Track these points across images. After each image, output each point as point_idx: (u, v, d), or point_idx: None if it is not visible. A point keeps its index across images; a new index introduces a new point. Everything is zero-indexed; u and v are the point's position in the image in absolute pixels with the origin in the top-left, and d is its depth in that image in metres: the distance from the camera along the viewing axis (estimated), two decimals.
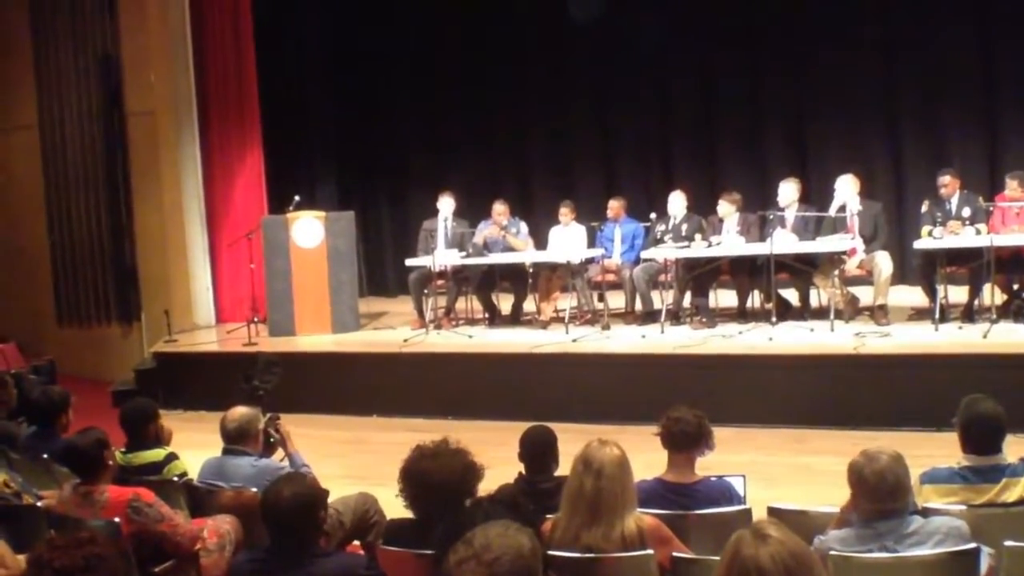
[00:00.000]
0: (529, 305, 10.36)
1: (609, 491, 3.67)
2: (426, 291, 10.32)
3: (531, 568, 2.50)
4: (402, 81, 12.83)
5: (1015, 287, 8.70)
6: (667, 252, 9.39)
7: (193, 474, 5.27)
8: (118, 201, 11.80)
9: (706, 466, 4.50)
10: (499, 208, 10.27)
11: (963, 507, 3.98)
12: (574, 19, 11.50)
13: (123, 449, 5.35)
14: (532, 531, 2.66)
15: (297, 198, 10.51)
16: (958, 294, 8.88)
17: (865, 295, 9.15)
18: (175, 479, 5.18)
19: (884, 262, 8.78)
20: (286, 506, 3.47)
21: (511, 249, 10.14)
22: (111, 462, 4.69)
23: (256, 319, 10.31)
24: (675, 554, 3.70)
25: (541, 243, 10.53)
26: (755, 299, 9.66)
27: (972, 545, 3.52)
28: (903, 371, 7.80)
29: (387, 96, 13.02)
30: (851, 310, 9.02)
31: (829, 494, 3.94)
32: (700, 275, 9.34)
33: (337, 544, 4.62)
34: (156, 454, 5.38)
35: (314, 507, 3.55)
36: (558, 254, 9.98)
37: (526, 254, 10.14)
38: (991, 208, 8.58)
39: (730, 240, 9.30)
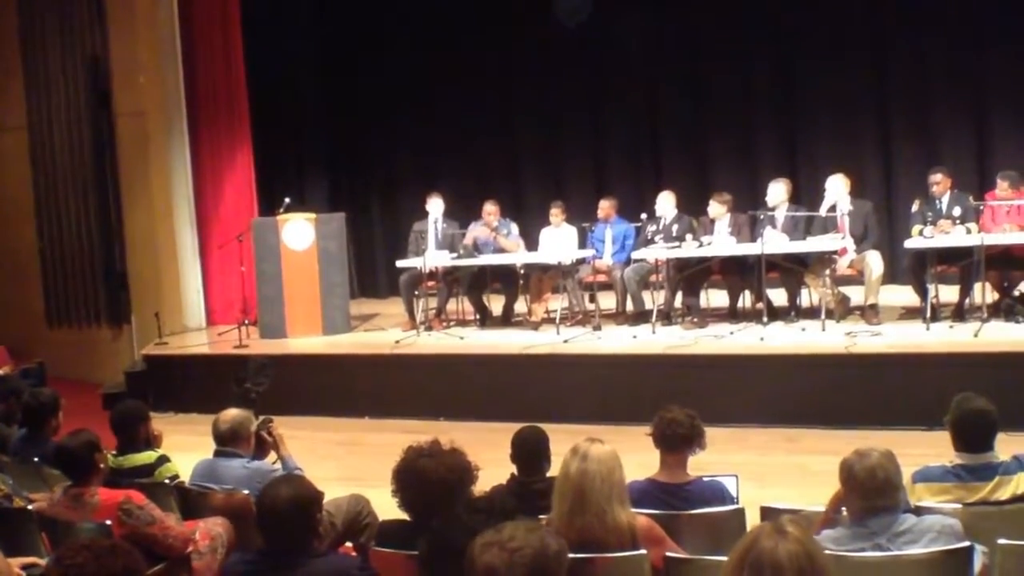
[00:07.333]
0: (520, 306, 10.37)
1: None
2: (417, 292, 10.31)
3: (551, 568, 2.56)
4: (392, 82, 12.81)
5: (1006, 285, 8.72)
6: (658, 252, 9.39)
7: (184, 476, 5.26)
8: (107, 203, 11.74)
9: (698, 466, 4.49)
10: (490, 209, 10.26)
11: (956, 505, 3.98)
12: (564, 21, 11.49)
13: (114, 452, 5.33)
14: (562, 538, 2.71)
15: (287, 200, 10.51)
16: (949, 293, 8.89)
17: (856, 295, 9.16)
18: (166, 481, 5.16)
19: (875, 261, 8.79)
20: (284, 507, 3.46)
21: (502, 250, 10.14)
22: (102, 464, 4.68)
23: (247, 321, 10.29)
24: (668, 554, 3.69)
25: (532, 244, 10.53)
26: (746, 299, 9.67)
27: (965, 544, 3.52)
28: (894, 370, 7.81)
29: (377, 97, 12.99)
30: (842, 310, 9.03)
31: (822, 493, 3.92)
32: (691, 275, 9.35)
33: (329, 546, 4.61)
34: (147, 456, 5.36)
35: (311, 508, 3.55)
36: (549, 255, 9.99)
37: (517, 255, 10.14)
38: (981, 207, 8.58)
39: (721, 240, 9.31)
